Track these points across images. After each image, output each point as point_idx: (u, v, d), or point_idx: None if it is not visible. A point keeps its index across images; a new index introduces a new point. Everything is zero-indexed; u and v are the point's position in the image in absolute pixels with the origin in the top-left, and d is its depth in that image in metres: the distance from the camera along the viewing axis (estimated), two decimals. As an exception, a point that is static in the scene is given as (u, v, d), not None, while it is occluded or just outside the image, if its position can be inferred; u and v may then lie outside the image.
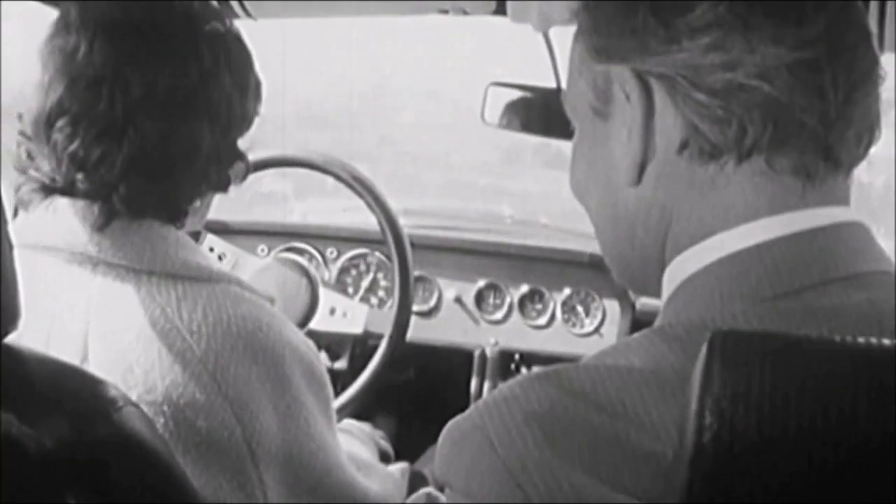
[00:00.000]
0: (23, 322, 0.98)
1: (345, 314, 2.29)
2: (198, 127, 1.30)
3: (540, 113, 2.08)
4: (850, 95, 0.88)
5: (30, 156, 1.31)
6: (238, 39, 1.38)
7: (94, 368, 1.26)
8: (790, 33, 0.86)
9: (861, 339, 0.65)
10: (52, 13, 1.33)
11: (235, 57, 1.36)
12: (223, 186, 1.40)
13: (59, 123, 1.26)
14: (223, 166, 1.38)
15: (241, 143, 1.42)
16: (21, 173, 1.33)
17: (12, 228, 1.29)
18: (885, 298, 0.85)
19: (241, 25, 1.41)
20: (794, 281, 0.85)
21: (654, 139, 0.92)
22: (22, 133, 1.31)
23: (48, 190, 1.30)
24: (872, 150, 0.93)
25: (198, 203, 1.39)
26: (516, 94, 2.16)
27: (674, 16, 0.89)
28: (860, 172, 0.95)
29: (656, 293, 1.00)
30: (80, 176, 1.27)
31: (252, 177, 2.40)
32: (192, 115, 1.30)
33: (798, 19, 0.86)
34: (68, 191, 1.29)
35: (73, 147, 1.26)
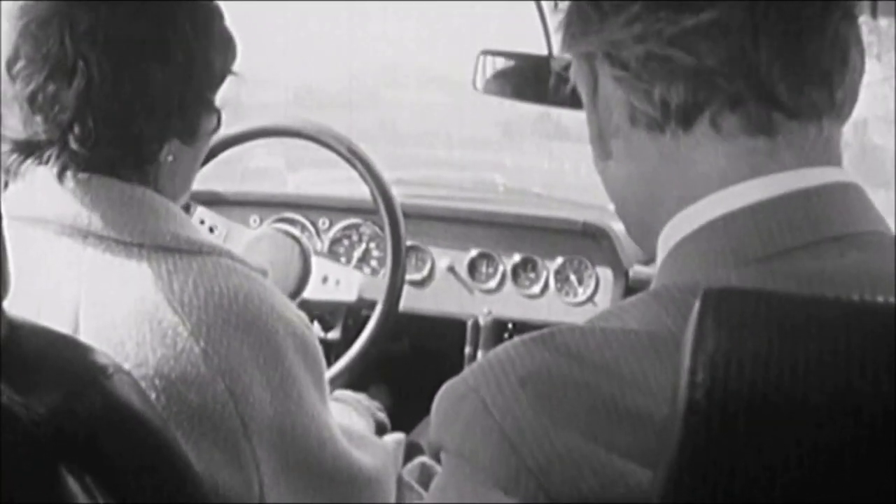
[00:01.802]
0: (13, 294, 0.98)
1: (338, 282, 2.29)
2: (149, 68, 1.29)
3: (531, 80, 2.08)
4: (787, 46, 0.87)
5: None
6: None
7: (85, 341, 1.25)
8: None
9: (854, 297, 0.65)
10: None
11: (200, 8, 1.35)
12: (189, 134, 1.38)
13: (16, 68, 1.26)
14: (186, 114, 1.36)
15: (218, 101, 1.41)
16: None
17: (3, 199, 1.29)
18: (880, 258, 0.85)
19: (238, 7, 1.40)
20: (785, 242, 0.85)
21: (608, 114, 0.94)
22: None
23: (18, 147, 1.30)
24: (884, 112, 0.93)
25: (168, 157, 1.36)
26: (507, 62, 2.15)
27: None
28: (873, 134, 0.95)
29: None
30: (38, 119, 1.27)
31: (243, 150, 2.40)
32: (142, 56, 1.29)
33: None
34: (31, 141, 1.29)
35: (29, 90, 1.26)
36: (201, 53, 1.35)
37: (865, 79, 0.93)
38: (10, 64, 1.27)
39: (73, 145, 1.28)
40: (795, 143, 0.89)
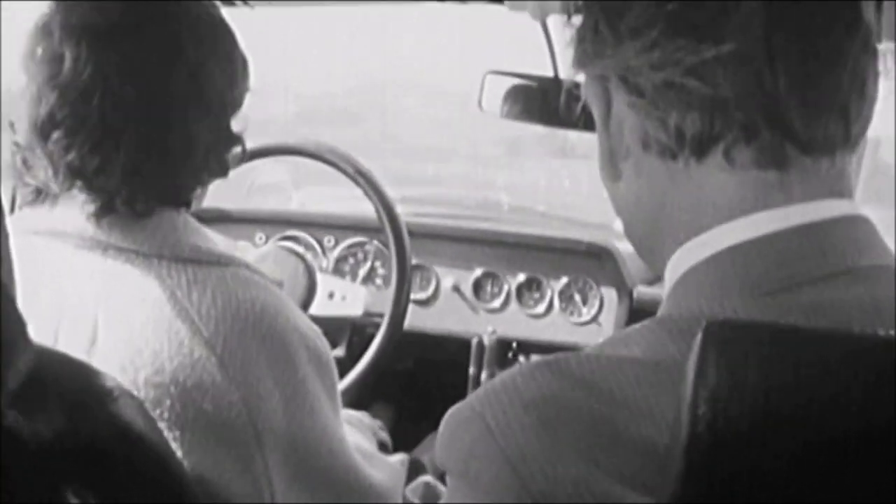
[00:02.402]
0: (33, 307, 0.98)
1: (343, 297, 2.29)
2: (193, 120, 1.30)
3: (538, 101, 2.08)
4: (805, 78, 0.86)
5: (25, 164, 1.31)
6: (220, 22, 1.38)
7: (103, 352, 1.27)
8: (720, 27, 0.85)
9: (855, 330, 0.66)
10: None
11: (220, 41, 1.36)
12: (223, 172, 1.41)
13: (55, 135, 1.26)
14: (221, 153, 1.38)
15: (235, 125, 1.42)
16: (18, 181, 1.33)
17: (19, 216, 1.30)
18: (885, 293, 0.85)
19: (239, 15, 1.41)
20: (792, 275, 0.85)
21: (620, 138, 0.94)
22: (16, 143, 1.31)
23: (47, 195, 1.31)
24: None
25: (199, 190, 1.39)
26: (514, 83, 2.15)
27: (618, 18, 0.90)
28: (885, 153, 0.95)
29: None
30: (78, 183, 1.28)
31: (249, 167, 2.41)
32: (185, 110, 1.30)
33: (724, 10, 0.85)
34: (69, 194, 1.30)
35: (69, 157, 1.26)
36: (230, 90, 1.37)
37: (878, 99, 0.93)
38: (46, 128, 1.27)
39: (120, 207, 1.29)
40: (807, 177, 0.88)
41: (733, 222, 0.88)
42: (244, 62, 1.41)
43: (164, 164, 1.30)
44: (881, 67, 0.91)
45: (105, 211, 1.29)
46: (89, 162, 1.27)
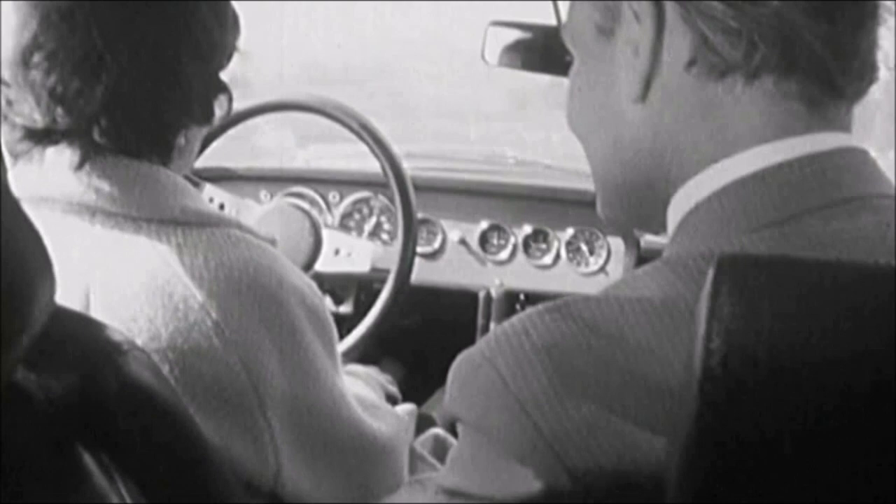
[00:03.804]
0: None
1: (350, 253, 2.28)
2: (177, 57, 1.29)
3: (540, 50, 2.06)
4: (858, 27, 0.88)
5: (9, 102, 1.30)
6: None
7: (98, 319, 1.25)
8: None
9: (869, 261, 0.65)
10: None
11: None
12: (207, 119, 1.39)
13: (35, 59, 1.25)
14: (206, 98, 1.37)
15: (224, 76, 1.41)
16: (4, 120, 1.31)
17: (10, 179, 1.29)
18: (889, 221, 0.85)
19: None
20: (797, 206, 0.85)
21: (661, 56, 0.91)
22: (3, 81, 1.30)
23: (32, 135, 1.29)
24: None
25: (182, 140, 1.37)
26: (517, 33, 2.14)
27: None
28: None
29: (657, 226, 0.99)
30: (59, 111, 1.26)
31: (252, 127, 2.40)
32: (171, 45, 1.29)
33: None
34: (51, 130, 1.28)
35: (50, 81, 1.25)
36: (218, 35, 1.36)
37: None
38: (28, 54, 1.25)
39: (98, 137, 1.28)
40: (828, 115, 0.90)
41: (737, 156, 0.88)
42: (235, 17, 1.40)
43: (144, 97, 1.29)
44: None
45: (88, 149, 1.28)
46: (70, 84, 1.25)
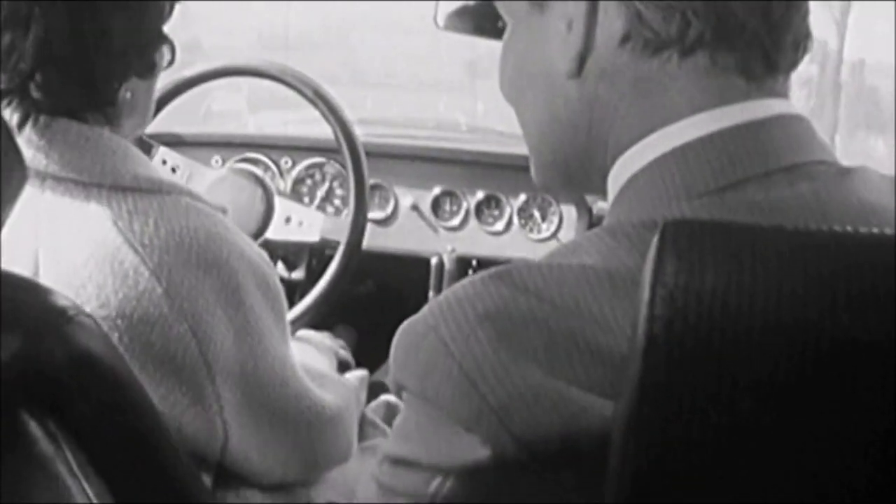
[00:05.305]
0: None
1: (301, 223, 2.28)
2: (106, 10, 1.28)
3: (491, 15, 2.06)
4: (790, 1, 0.89)
5: None
6: None
7: (45, 284, 1.25)
8: None
9: (811, 227, 0.66)
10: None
11: None
12: (148, 71, 1.38)
13: None
14: (144, 50, 1.36)
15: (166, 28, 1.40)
16: None
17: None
18: (828, 187, 0.86)
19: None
20: (736, 173, 0.86)
21: (595, 31, 0.91)
22: None
23: None
24: (880, 55, 0.96)
25: (128, 94, 1.36)
26: (470, -1, 2.13)
27: None
28: (870, 75, 0.99)
29: (594, 192, 1.00)
30: None
31: (204, 92, 2.38)
32: None
33: None
34: None
35: None
36: None
37: (865, 20, 0.98)
38: None
39: (35, 94, 1.26)
40: (765, 86, 0.90)
41: (674, 125, 0.89)
42: None
43: (75, 50, 1.27)
44: None
45: (28, 107, 1.27)
46: (1, 42, 1.24)
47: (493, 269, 0.85)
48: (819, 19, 0.94)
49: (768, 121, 0.88)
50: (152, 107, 1.47)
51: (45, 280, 1.25)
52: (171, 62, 1.43)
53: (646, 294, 0.63)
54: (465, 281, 0.85)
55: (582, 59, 0.92)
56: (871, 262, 0.62)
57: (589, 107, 0.94)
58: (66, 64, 1.27)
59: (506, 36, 1.03)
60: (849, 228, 0.65)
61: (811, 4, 0.93)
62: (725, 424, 0.63)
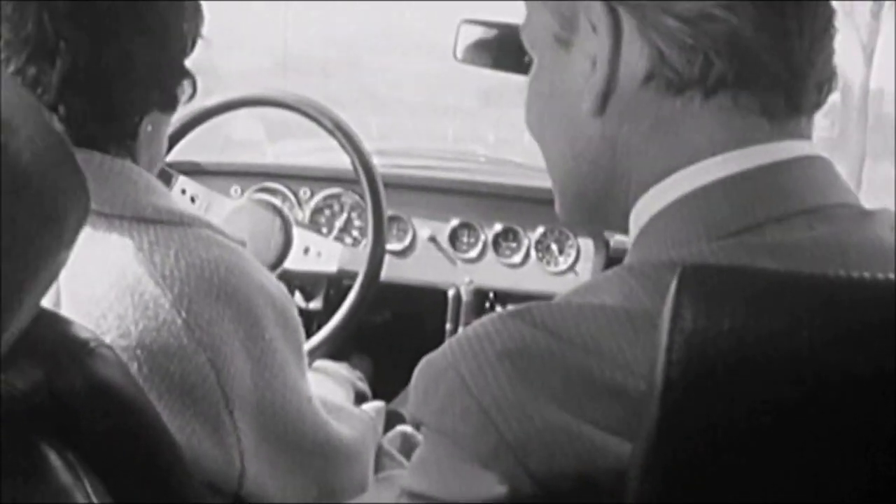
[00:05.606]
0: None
1: (319, 253, 2.28)
2: (130, 41, 1.29)
3: (511, 50, 2.07)
4: (814, 43, 0.89)
5: None
6: None
7: (66, 316, 1.25)
8: None
9: (830, 273, 0.66)
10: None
11: None
12: (170, 105, 1.39)
13: None
14: (166, 84, 1.37)
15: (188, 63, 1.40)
16: None
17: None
18: (848, 231, 0.86)
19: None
20: (757, 215, 0.86)
21: (618, 70, 0.91)
22: None
23: None
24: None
25: (148, 128, 1.37)
26: (489, 31, 2.14)
27: None
28: (888, 105, 0.99)
29: (619, 228, 1.00)
30: None
31: (223, 122, 2.39)
32: (122, 30, 1.28)
33: None
34: None
35: (8, 71, 1.25)
36: (174, 21, 1.35)
37: (882, 49, 0.98)
38: None
39: (58, 125, 1.27)
40: (788, 128, 0.91)
41: (695, 166, 0.89)
42: (195, 6, 1.40)
43: (99, 83, 1.28)
44: (850, 23, 0.95)
45: None
46: (26, 74, 1.25)
47: (512, 308, 0.85)
48: (841, 48, 0.94)
49: (790, 163, 0.88)
50: (166, 138, 1.48)
51: (66, 310, 1.26)
52: (193, 96, 1.44)
53: (664, 339, 0.64)
54: (484, 318, 0.85)
55: (605, 98, 0.92)
56: (888, 308, 0.63)
57: (611, 145, 0.94)
58: (90, 96, 1.28)
59: (532, 71, 1.03)
60: (866, 274, 0.65)
61: (838, 25, 0.93)
62: (742, 468, 0.63)
